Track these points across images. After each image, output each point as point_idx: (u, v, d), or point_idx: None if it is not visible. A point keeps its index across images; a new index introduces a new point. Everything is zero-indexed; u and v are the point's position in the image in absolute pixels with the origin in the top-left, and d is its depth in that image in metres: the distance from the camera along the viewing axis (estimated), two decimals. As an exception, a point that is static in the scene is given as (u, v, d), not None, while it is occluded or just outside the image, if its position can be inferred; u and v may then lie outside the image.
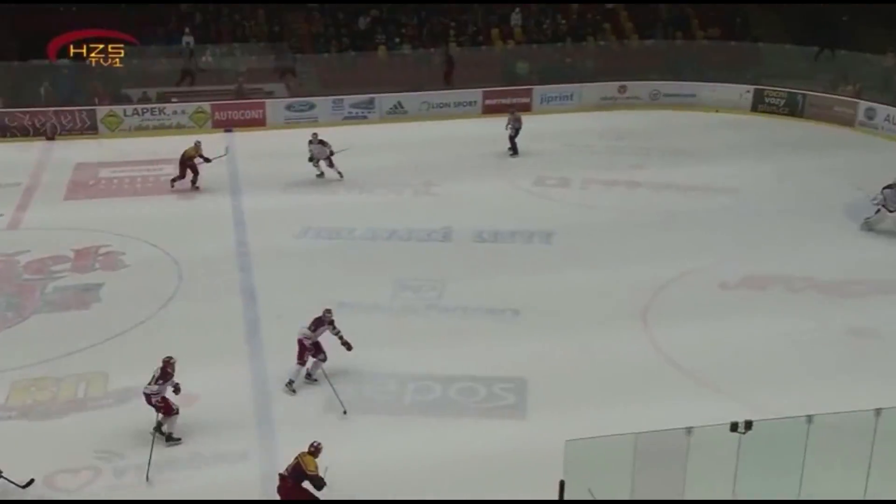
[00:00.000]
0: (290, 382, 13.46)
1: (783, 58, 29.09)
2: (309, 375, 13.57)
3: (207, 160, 21.30)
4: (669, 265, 17.22)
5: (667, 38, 30.89)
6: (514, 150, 23.99)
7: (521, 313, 15.69)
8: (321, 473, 10.54)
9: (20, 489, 11.13)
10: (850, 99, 26.51)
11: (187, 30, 28.85)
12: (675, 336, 14.81)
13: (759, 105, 27.67)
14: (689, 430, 9.53)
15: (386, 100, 27.46)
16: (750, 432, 9.48)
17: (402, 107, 27.50)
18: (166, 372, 12.16)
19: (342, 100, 27.32)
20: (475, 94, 27.91)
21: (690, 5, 31.86)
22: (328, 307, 13.59)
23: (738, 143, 24.80)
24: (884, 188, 18.53)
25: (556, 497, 9.64)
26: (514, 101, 27.60)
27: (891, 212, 18.42)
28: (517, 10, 31.05)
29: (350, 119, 27.08)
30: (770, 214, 19.93)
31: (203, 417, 12.64)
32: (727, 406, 11.91)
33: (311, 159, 21.77)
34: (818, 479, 9.75)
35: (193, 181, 21.36)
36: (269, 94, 28.00)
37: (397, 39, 29.87)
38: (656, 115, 27.68)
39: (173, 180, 21.38)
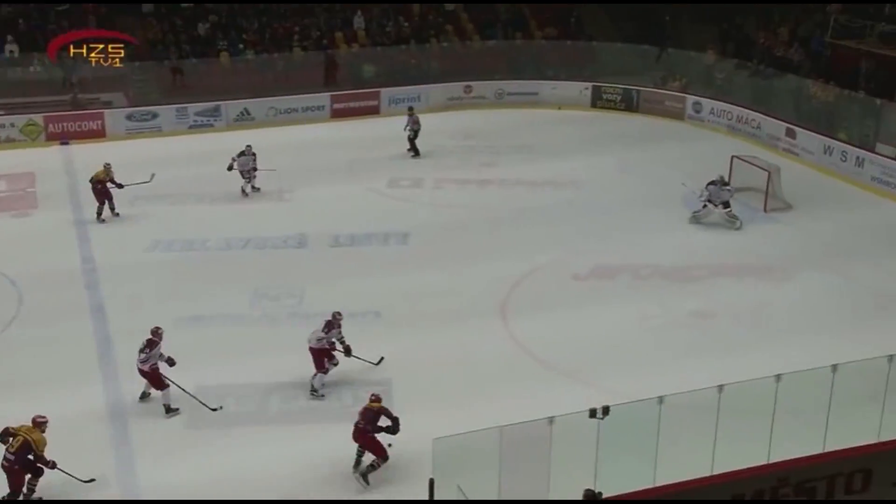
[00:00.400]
0: (315, 390, 13.48)
1: (616, 56, 30.35)
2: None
3: (120, 186, 19.79)
4: (523, 260, 17.74)
5: (507, 38, 31.64)
6: (415, 151, 24.08)
7: (382, 315, 15.81)
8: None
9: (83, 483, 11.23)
10: (678, 94, 28.00)
11: (10, 38, 27.34)
12: (532, 329, 15.29)
13: (598, 101, 28.81)
14: (550, 419, 9.89)
15: (232, 107, 26.89)
16: (608, 417, 9.94)
17: (249, 113, 27.02)
18: (152, 341, 12.81)
19: (186, 108, 26.59)
20: (323, 98, 27.75)
21: (527, 6, 32.76)
22: (337, 311, 13.84)
23: (580, 138, 25.72)
24: (708, 184, 19.60)
25: (426, 495, 9.81)
26: (363, 104, 27.70)
27: (716, 206, 19.59)
28: (359, 13, 31.08)
29: (196, 127, 26.40)
30: (614, 206, 20.81)
31: (58, 444, 12.07)
32: (586, 393, 12.41)
33: (230, 168, 20.99)
34: (671, 457, 10.32)
35: (111, 207, 19.87)
36: (108, 104, 26.87)
37: (240, 45, 29.28)
38: (502, 113, 28.33)
39: (99, 214, 19.70)
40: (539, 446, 9.95)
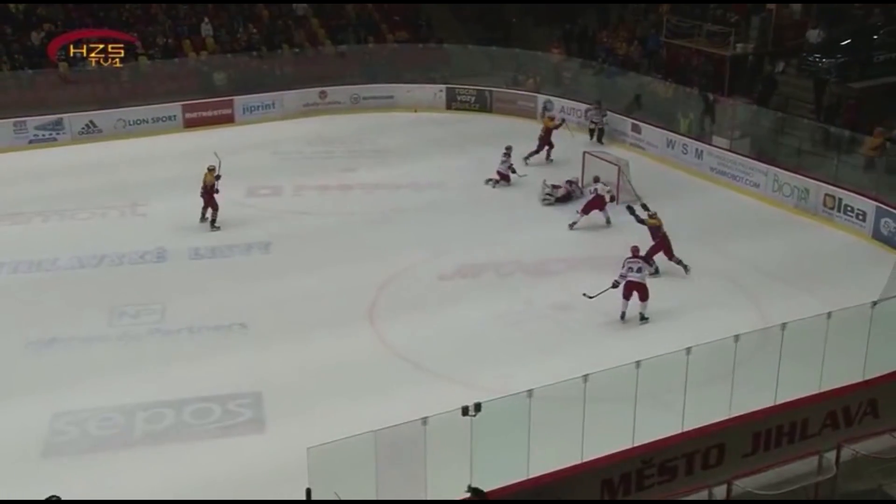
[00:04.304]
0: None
1: (467, 58, 30.87)
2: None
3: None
4: (388, 262, 17.85)
5: (359, 42, 31.65)
6: (599, 139, 25.05)
7: (248, 326, 15.60)
8: None
9: None
10: (530, 93, 28.75)
11: None
12: (401, 330, 15.44)
13: (453, 103, 29.22)
14: (424, 419, 10.03)
15: (76, 119, 25.73)
16: (479, 414, 10.16)
17: (95, 125, 25.92)
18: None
19: (25, 122, 25.30)
20: (174, 108, 26.89)
21: (376, 10, 32.85)
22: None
23: (438, 139, 26.00)
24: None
25: (304, 506, 9.76)
26: (216, 112, 27.12)
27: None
28: (206, 20, 30.35)
29: (37, 142, 25.15)
30: (474, 205, 21.20)
31: None
32: (457, 391, 12.64)
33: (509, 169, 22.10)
34: (542, 448, 10.65)
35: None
36: (-61, 121, 25.26)
37: (80, 54, 27.89)
38: (359, 118, 28.27)
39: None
40: (414, 447, 10.08)
